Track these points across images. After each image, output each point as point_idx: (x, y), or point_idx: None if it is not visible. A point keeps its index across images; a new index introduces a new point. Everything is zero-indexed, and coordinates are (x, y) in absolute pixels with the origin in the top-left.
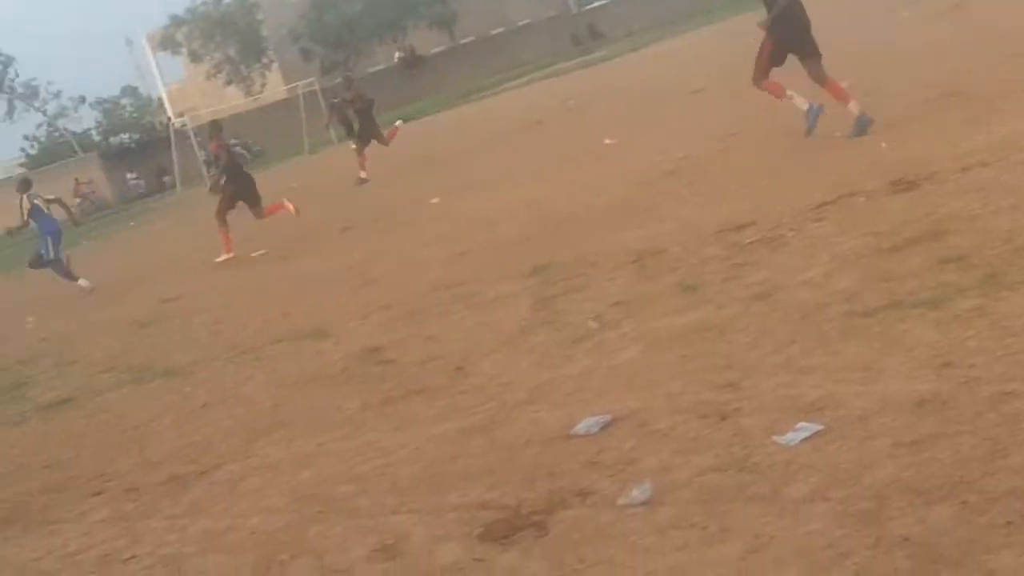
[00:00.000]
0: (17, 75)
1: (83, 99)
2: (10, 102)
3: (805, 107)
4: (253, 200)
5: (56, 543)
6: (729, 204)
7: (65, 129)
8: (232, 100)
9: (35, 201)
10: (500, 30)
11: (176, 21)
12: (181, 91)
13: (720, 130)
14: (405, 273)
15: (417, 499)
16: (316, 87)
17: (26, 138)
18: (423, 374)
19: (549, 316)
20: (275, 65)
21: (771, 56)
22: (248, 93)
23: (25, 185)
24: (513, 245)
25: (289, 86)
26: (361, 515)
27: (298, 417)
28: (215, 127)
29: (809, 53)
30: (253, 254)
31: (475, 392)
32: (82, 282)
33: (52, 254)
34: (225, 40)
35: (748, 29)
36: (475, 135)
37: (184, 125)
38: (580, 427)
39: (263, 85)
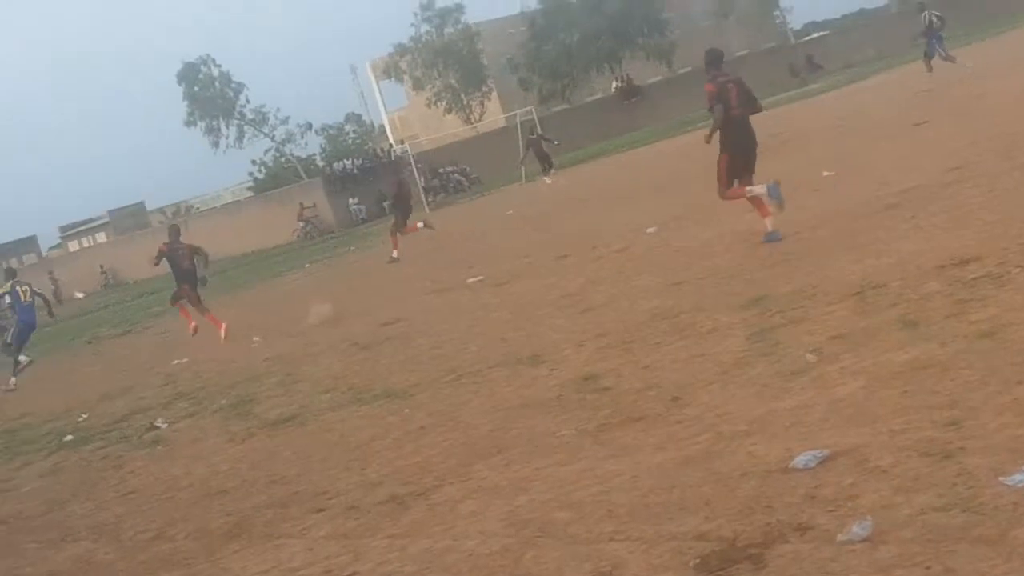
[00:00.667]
0: (248, 101)
1: (310, 125)
2: (240, 128)
3: (763, 191)
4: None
5: (281, 557)
6: (953, 238)
7: (291, 154)
8: (451, 127)
9: (17, 288)
10: None
11: (400, 50)
12: (402, 118)
13: (944, 163)
14: (621, 302)
15: (633, 527)
16: (534, 116)
17: (253, 162)
18: (639, 403)
19: (767, 348)
20: (494, 93)
21: (729, 170)
22: (467, 121)
23: (9, 274)
24: (730, 276)
25: (507, 114)
26: (577, 541)
27: (515, 442)
28: (173, 230)
29: (750, 168)
30: (470, 280)
31: (692, 422)
32: (12, 380)
33: (11, 339)
34: (447, 68)
35: (978, 55)
36: (691, 165)
37: (405, 152)
38: (798, 461)
39: (482, 113)
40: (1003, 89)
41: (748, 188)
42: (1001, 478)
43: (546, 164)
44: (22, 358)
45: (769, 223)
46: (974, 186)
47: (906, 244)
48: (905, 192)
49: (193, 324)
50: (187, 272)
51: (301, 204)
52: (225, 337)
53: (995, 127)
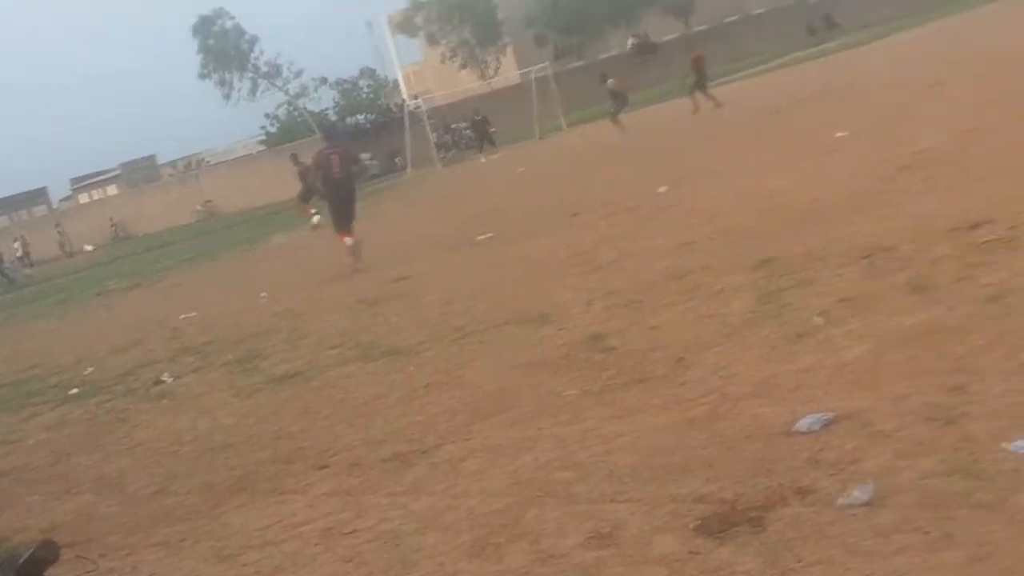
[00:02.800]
0: (261, 54)
1: (324, 79)
2: (254, 80)
3: (349, 243)
4: None
5: (283, 513)
6: (965, 202)
7: (304, 108)
8: (466, 83)
9: None
10: (735, 19)
11: (416, 4)
12: (417, 73)
13: (959, 125)
14: (630, 261)
15: (635, 488)
16: (549, 72)
17: (267, 116)
18: (645, 363)
19: (775, 310)
20: (509, 49)
21: (335, 219)
22: (482, 77)
23: None
24: (740, 237)
25: (522, 71)
26: (578, 501)
27: (519, 401)
28: None
29: (351, 216)
30: (479, 237)
31: (697, 384)
32: None
33: None
34: (462, 24)
35: (998, 20)
36: (704, 125)
37: (419, 107)
38: (802, 424)
39: (497, 69)
40: None
41: (345, 238)
42: (1003, 444)
43: (485, 143)
44: None
45: (351, 265)
46: (988, 148)
47: (918, 206)
48: (919, 153)
49: None
50: None
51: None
52: None
53: (1013, 90)
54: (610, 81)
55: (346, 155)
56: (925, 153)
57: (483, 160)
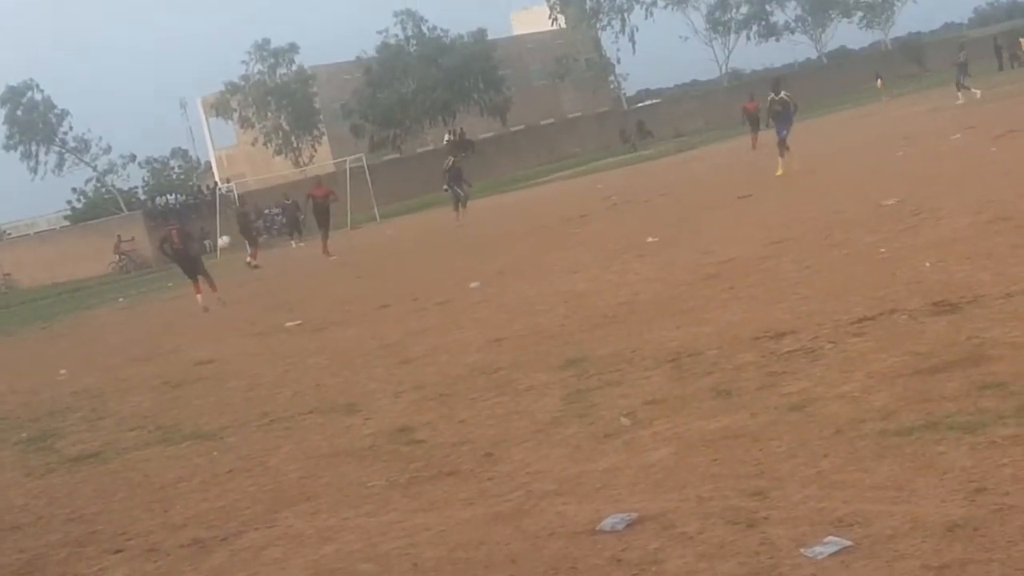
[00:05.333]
0: (71, 128)
1: (133, 157)
2: (61, 155)
3: (200, 298)
4: None
5: None
6: (769, 311)
7: (112, 185)
8: (280, 169)
9: None
10: (551, 121)
11: (231, 88)
12: (230, 156)
13: (765, 237)
14: (440, 355)
15: None
16: (364, 163)
17: (74, 191)
18: (452, 457)
19: (582, 409)
20: (325, 138)
21: (185, 273)
22: (296, 164)
23: None
24: (550, 335)
25: (337, 160)
26: None
27: (324, 490)
28: None
29: (197, 272)
30: (287, 324)
31: (503, 479)
32: None
33: None
34: (278, 109)
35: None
36: (518, 223)
37: (230, 191)
38: (606, 523)
39: (311, 157)
40: (834, 168)
41: (198, 293)
42: (802, 549)
43: (250, 240)
44: None
45: (200, 299)
46: (792, 261)
47: (724, 314)
48: (726, 263)
49: None
50: None
51: (119, 236)
52: None
53: (816, 205)
54: None
55: (181, 230)
56: (731, 263)
57: (294, 246)
